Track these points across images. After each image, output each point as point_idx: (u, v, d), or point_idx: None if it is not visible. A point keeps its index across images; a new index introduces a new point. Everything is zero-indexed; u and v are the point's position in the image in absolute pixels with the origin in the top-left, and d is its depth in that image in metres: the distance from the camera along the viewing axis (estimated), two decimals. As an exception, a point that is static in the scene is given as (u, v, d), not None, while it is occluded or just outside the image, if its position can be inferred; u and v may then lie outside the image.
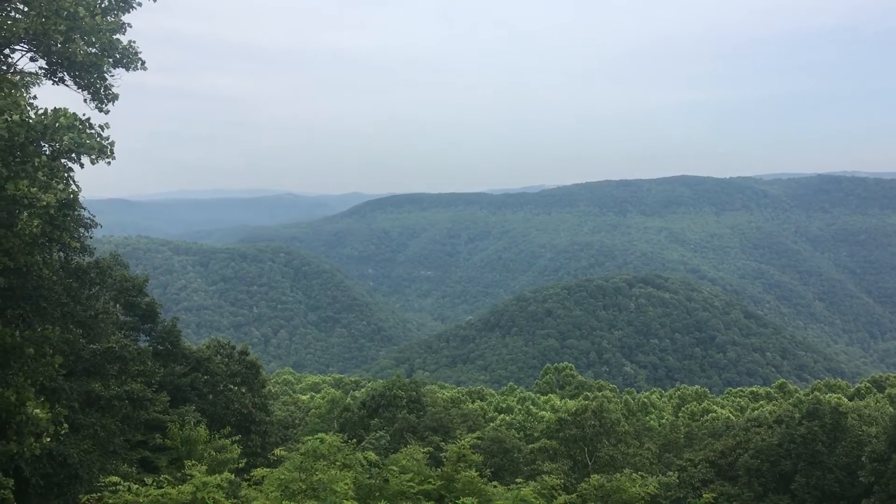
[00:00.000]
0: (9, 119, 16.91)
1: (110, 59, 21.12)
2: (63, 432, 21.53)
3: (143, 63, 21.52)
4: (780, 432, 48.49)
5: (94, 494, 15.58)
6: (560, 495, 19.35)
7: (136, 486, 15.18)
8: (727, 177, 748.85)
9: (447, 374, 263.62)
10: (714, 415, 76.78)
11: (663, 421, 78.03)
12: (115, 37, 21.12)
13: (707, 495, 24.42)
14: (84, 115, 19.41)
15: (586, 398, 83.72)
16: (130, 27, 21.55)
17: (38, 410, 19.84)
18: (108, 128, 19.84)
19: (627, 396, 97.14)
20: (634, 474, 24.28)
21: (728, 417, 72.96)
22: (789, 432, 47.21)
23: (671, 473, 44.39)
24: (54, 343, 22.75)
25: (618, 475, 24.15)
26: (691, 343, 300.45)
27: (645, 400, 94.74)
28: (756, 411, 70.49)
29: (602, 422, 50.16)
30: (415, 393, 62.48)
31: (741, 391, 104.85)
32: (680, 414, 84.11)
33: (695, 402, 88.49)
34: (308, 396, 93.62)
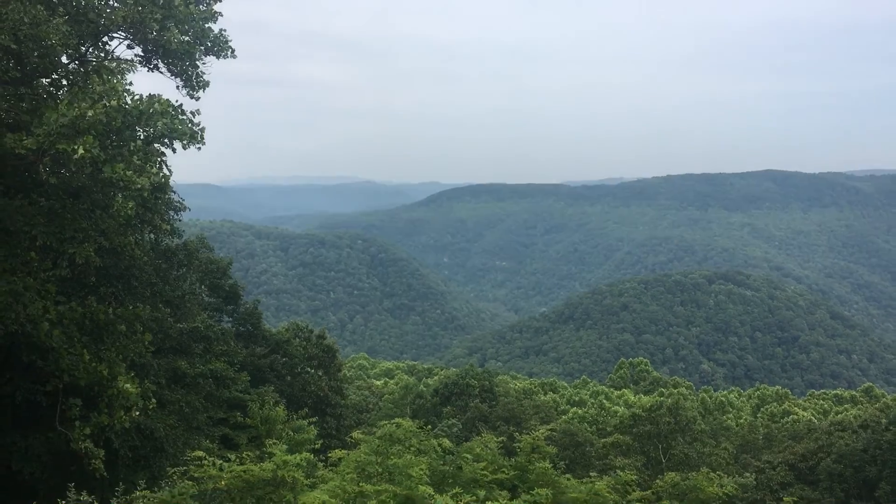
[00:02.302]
0: (107, 104, 17.39)
1: (202, 47, 21.44)
2: (151, 407, 22.21)
3: (233, 51, 21.95)
4: (866, 437, 46.70)
5: (181, 468, 16.10)
6: (634, 491, 19.11)
7: (220, 461, 15.64)
8: (816, 172, 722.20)
9: (520, 365, 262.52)
10: (795, 417, 74.44)
11: (741, 421, 75.98)
12: (206, 25, 21.47)
13: (787, 499, 23.75)
14: (177, 101, 19.76)
15: (661, 395, 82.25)
16: (221, 16, 22.03)
17: (128, 385, 20.51)
18: (198, 114, 20.17)
19: (704, 394, 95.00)
20: (712, 474, 23.75)
21: (810, 420, 70.60)
22: (875, 438, 45.41)
23: (748, 475, 43.22)
24: (144, 321, 23.36)
25: (694, 474, 23.66)
26: (772, 342, 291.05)
27: (722, 399, 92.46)
28: (840, 415, 68.10)
29: (677, 419, 49.16)
30: (487, 382, 62.52)
31: (824, 394, 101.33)
32: (759, 414, 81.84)
33: (775, 403, 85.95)
34: (382, 382, 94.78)
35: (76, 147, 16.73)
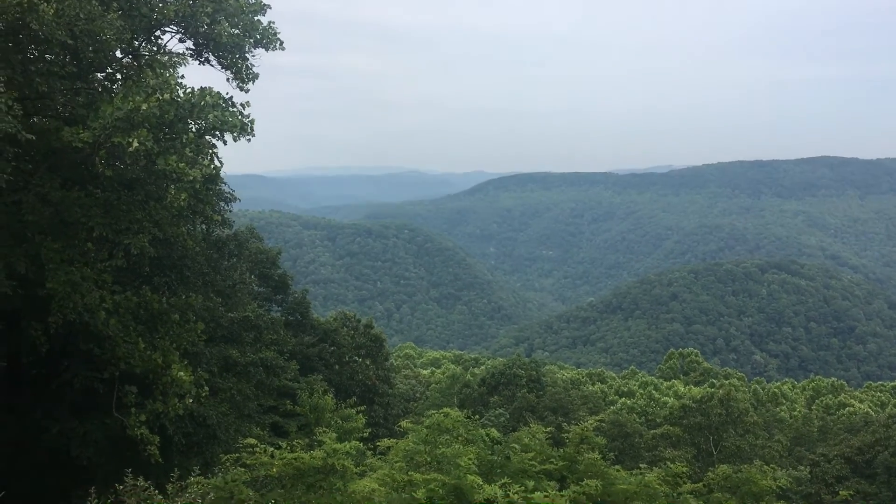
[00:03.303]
0: (160, 97, 17.68)
1: (251, 40, 21.59)
2: (204, 395, 22.57)
3: (282, 43, 22.13)
4: (926, 431, 45.42)
5: (233, 455, 16.39)
6: (685, 483, 18.89)
7: (272, 448, 15.90)
8: (874, 158, 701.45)
9: (567, 356, 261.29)
10: (851, 409, 72.75)
11: (795, 413, 74.57)
12: (256, 18, 21.66)
13: (843, 492, 23.28)
14: (227, 93, 19.95)
15: (712, 385, 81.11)
16: (270, 8, 22.26)
17: (182, 373, 20.93)
18: (248, 106, 20.27)
19: (756, 386, 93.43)
20: (765, 466, 23.35)
21: (867, 412, 68.89)
22: (937, 432, 44.15)
23: (802, 468, 42.46)
24: (197, 310, 23.83)
25: (746, 466, 23.30)
26: (828, 333, 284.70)
27: (775, 390, 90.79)
28: (899, 408, 66.28)
29: (729, 411, 48.44)
30: (534, 372, 62.39)
31: (882, 385, 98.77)
32: (813, 407, 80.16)
33: (830, 395, 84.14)
34: (429, 371, 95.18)
35: (131, 140, 17.10)
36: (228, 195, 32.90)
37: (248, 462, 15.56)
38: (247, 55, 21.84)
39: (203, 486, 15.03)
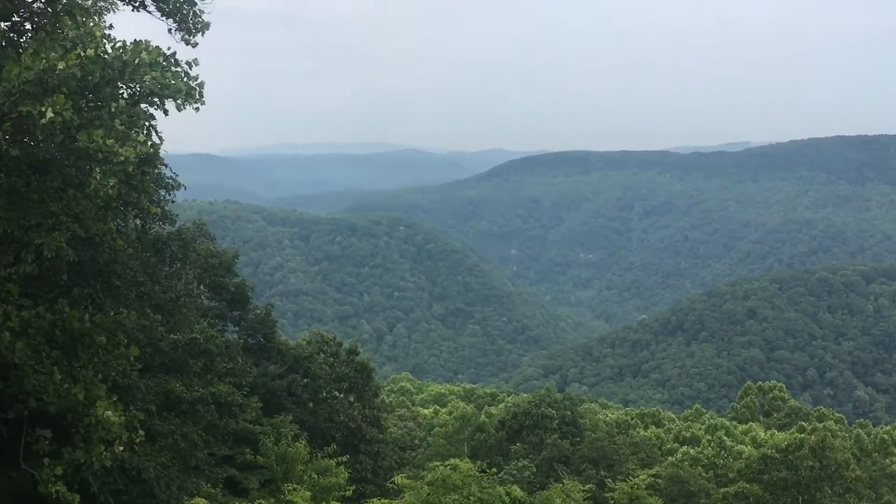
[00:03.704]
0: (82, 54, 17.49)
1: (200, -22, 21.19)
2: (138, 440, 21.99)
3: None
4: None
5: (176, 519, 16.39)
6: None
7: (226, 511, 15.90)
8: None
9: (611, 390, 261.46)
10: (984, 462, 72.61)
11: (910, 466, 74.46)
12: (205, -50, 21.28)
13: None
14: (169, 48, 19.64)
15: (802, 430, 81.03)
16: (224, -62, 22.10)
17: (109, 412, 20.45)
18: (196, 65, 20.05)
19: (860, 430, 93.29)
20: (871, 537, 23.35)
21: None
22: None
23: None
24: (129, 331, 23.34)
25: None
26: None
27: (885, 436, 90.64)
28: None
29: (823, 463, 48.45)
30: (569, 412, 62.37)
31: None
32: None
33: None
34: (431, 410, 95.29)
35: (44, 109, 16.87)
36: (170, 181, 32.75)
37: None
38: (195, -2, 21.52)
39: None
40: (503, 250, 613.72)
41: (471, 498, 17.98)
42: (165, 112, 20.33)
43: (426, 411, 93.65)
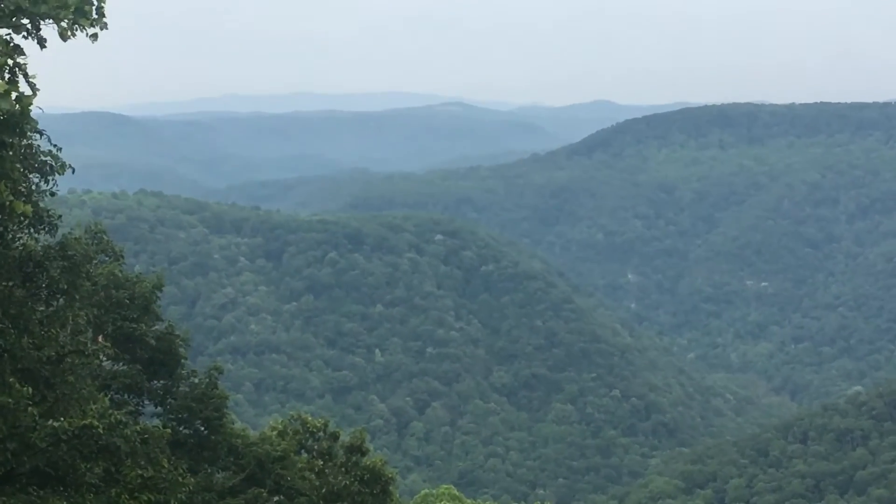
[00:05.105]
0: None
1: None
2: None
3: None
4: None
5: None
6: None
7: None
8: None
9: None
10: None
11: None
12: None
13: None
14: None
15: None
16: None
17: None
18: None
19: None
20: None
21: None
22: None
23: None
24: None
25: None
26: None
27: None
28: None
29: None
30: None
31: None
32: None
33: None
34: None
35: None
36: (50, 158, 25.25)
37: None
38: None
39: None
40: (614, 274, 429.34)
41: None
42: (42, 44, 18.55)
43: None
